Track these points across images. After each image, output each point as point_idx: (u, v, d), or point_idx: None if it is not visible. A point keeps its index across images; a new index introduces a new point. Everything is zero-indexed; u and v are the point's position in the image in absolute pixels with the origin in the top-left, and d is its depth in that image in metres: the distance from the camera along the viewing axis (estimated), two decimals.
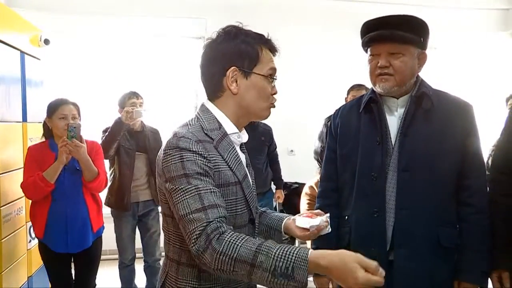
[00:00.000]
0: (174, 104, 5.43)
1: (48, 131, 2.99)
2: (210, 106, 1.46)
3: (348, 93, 3.92)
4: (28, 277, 3.39)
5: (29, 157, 2.89)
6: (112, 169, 3.77)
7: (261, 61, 1.42)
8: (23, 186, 2.85)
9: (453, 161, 1.86)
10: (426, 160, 1.84)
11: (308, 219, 1.54)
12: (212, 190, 1.30)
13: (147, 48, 5.45)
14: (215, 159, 1.35)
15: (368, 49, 1.92)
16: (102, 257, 4.79)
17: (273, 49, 1.47)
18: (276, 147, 4.50)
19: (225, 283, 1.41)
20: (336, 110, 2.15)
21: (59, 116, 2.88)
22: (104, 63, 5.38)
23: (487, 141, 3.67)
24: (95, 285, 3.20)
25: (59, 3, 5.05)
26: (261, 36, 1.46)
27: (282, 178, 4.53)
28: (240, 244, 1.20)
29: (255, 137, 4.19)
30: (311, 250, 1.18)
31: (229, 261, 1.20)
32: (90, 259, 3.05)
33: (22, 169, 3.02)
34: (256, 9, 5.42)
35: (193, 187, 1.28)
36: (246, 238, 1.23)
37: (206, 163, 1.32)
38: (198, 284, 1.39)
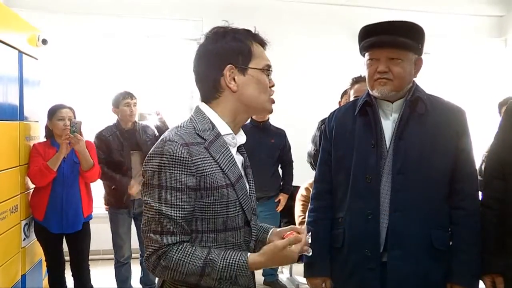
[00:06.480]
0: (169, 106, 5.42)
1: (49, 132, 3.47)
2: (204, 107, 1.45)
3: (342, 96, 3.94)
4: (21, 275, 3.39)
5: (34, 152, 3.38)
6: None
7: (255, 55, 1.43)
8: (30, 174, 3.32)
9: (446, 164, 1.87)
10: (420, 163, 1.85)
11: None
12: (173, 214, 1.31)
13: (143, 49, 5.46)
14: (200, 164, 1.33)
15: (367, 54, 1.93)
16: (98, 256, 4.83)
17: (262, 43, 1.48)
18: (290, 156, 4.44)
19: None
20: (331, 113, 2.15)
21: (58, 118, 3.37)
22: (100, 63, 5.38)
23: (480, 146, 3.71)
24: (89, 268, 3.59)
25: (57, 4, 5.05)
26: (248, 31, 1.46)
27: (291, 185, 4.43)
28: (187, 261, 1.31)
29: (264, 139, 4.20)
30: (249, 255, 1.35)
31: (180, 275, 1.33)
32: (81, 240, 3.51)
33: (18, 167, 3.29)
34: (252, 12, 5.43)
35: (157, 208, 1.31)
36: (192, 253, 1.32)
37: (185, 172, 1.31)
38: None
